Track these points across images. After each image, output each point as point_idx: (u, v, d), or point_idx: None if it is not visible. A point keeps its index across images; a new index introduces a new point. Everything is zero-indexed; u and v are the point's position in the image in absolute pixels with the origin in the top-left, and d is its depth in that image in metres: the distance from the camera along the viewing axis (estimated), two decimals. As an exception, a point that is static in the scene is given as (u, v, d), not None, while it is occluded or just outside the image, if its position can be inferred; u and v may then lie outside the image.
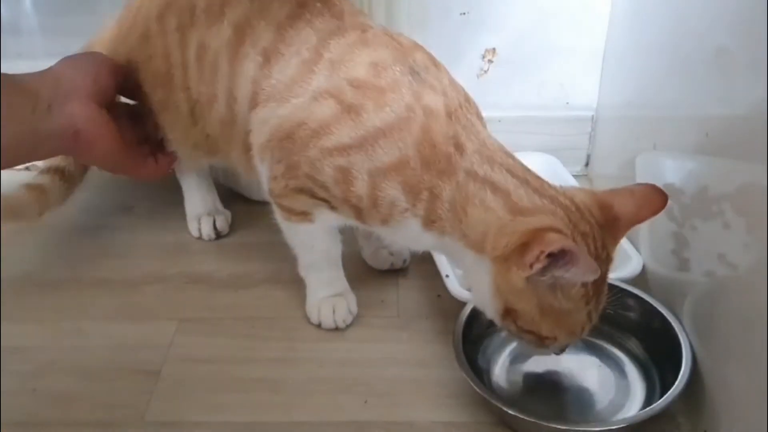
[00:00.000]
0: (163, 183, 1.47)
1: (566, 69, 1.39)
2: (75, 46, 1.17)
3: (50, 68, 0.99)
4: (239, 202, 1.36)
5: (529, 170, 0.88)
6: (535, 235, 0.79)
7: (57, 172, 1.22)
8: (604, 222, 0.85)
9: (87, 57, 1.06)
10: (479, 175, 0.86)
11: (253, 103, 0.98)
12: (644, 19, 1.18)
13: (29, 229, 1.34)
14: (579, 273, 0.79)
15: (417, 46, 0.96)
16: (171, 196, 1.37)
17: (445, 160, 0.87)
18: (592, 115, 1.42)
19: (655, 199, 0.87)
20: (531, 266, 0.78)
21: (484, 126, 0.93)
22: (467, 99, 0.94)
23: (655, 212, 0.87)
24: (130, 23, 1.12)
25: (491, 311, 0.88)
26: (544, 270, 0.78)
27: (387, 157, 0.88)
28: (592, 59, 1.36)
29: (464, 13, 1.32)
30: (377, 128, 0.88)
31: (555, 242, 0.77)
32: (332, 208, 0.95)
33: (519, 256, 0.80)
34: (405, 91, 0.89)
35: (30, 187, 1.19)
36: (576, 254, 0.77)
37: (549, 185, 0.87)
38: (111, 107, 1.03)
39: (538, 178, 0.88)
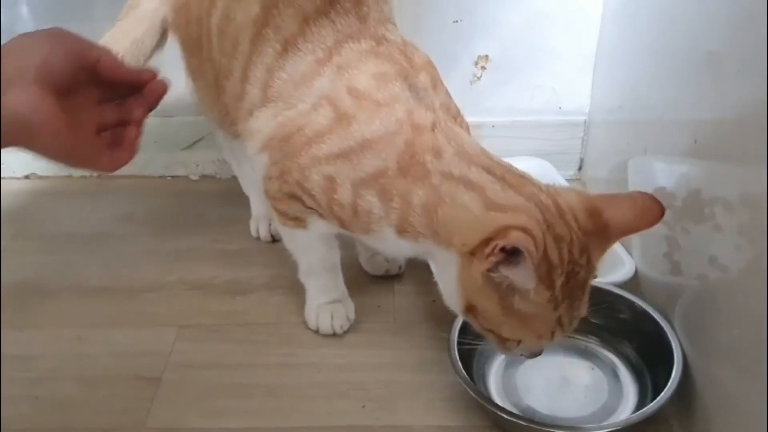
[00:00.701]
0: (162, 190, 1.48)
1: (558, 74, 1.40)
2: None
3: None
4: (240, 207, 1.36)
5: (510, 169, 0.87)
6: (501, 231, 0.78)
7: None
8: (591, 228, 0.83)
9: (40, 35, 0.89)
10: (454, 175, 0.85)
11: (264, 93, 0.97)
12: (635, 24, 1.19)
13: (29, 237, 1.35)
14: (519, 277, 0.78)
15: (426, 66, 0.96)
16: (170, 204, 1.37)
17: (421, 166, 0.86)
18: (585, 120, 1.43)
19: (653, 210, 0.85)
20: (487, 258, 0.78)
21: (470, 136, 0.93)
22: (455, 117, 0.94)
23: (652, 224, 0.85)
24: None
25: (455, 306, 0.88)
26: (496, 265, 0.78)
27: (369, 167, 0.89)
28: (584, 64, 1.38)
29: (457, 21, 1.34)
30: (365, 140, 0.89)
31: (513, 239, 0.76)
32: (321, 216, 0.96)
33: (482, 250, 0.79)
34: (399, 107, 0.89)
35: None
36: (525, 258, 0.75)
37: (531, 183, 0.85)
38: (72, 90, 0.89)
39: (519, 176, 0.86)
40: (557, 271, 0.80)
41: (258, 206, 1.32)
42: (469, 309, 0.86)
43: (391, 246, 0.93)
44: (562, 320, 0.84)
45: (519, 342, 0.86)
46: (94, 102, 0.96)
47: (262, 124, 0.98)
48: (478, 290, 0.82)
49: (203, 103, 1.12)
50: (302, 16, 0.96)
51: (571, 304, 0.83)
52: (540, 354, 0.91)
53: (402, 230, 0.89)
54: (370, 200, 0.89)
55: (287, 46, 0.95)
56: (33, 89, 0.85)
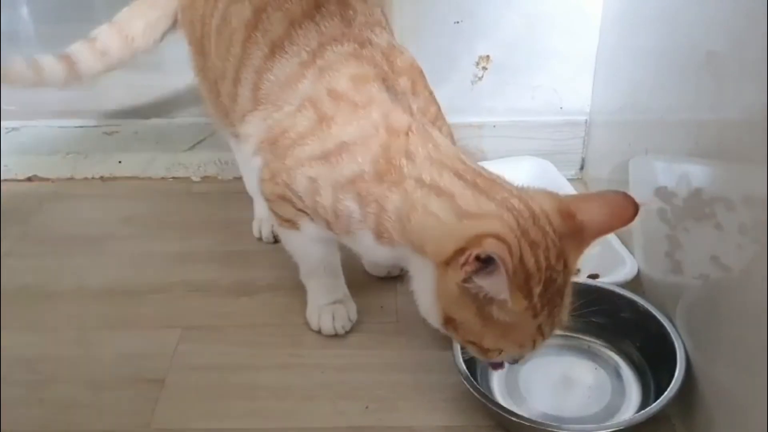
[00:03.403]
0: (164, 191, 1.49)
1: (559, 74, 1.40)
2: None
3: None
4: (243, 208, 1.36)
5: (482, 173, 0.86)
6: (475, 240, 0.77)
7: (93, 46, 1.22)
8: (566, 230, 0.81)
9: None
10: (425, 182, 0.84)
11: (253, 94, 0.98)
12: (636, 25, 1.19)
13: (32, 239, 1.36)
14: (493, 286, 0.76)
15: (408, 70, 0.95)
16: (172, 206, 1.37)
17: (397, 171, 0.86)
18: (586, 120, 1.44)
19: (627, 209, 0.83)
20: (461, 268, 0.76)
21: (453, 142, 0.92)
22: (434, 121, 0.93)
23: (626, 222, 0.83)
24: None
25: (433, 319, 0.86)
26: (470, 275, 0.76)
27: (347, 170, 0.88)
28: (584, 64, 1.38)
29: (458, 22, 1.34)
30: (342, 142, 0.89)
31: (488, 246, 0.74)
32: (311, 218, 0.96)
33: (456, 260, 0.78)
34: (375, 109, 0.89)
35: (59, 56, 1.19)
36: (499, 266, 0.73)
37: (503, 188, 0.84)
38: None
39: (491, 180, 0.85)
40: (534, 278, 0.78)
41: (261, 207, 1.32)
42: (448, 321, 0.84)
43: (370, 250, 0.93)
44: (542, 328, 0.82)
45: (500, 351, 0.85)
46: None
47: (254, 127, 0.99)
48: (455, 302, 0.81)
49: (207, 103, 1.13)
50: (289, 19, 0.97)
51: (550, 312, 0.82)
52: (520, 360, 0.90)
53: (379, 235, 0.88)
54: (348, 204, 0.89)
55: (274, 49, 0.97)
56: None
